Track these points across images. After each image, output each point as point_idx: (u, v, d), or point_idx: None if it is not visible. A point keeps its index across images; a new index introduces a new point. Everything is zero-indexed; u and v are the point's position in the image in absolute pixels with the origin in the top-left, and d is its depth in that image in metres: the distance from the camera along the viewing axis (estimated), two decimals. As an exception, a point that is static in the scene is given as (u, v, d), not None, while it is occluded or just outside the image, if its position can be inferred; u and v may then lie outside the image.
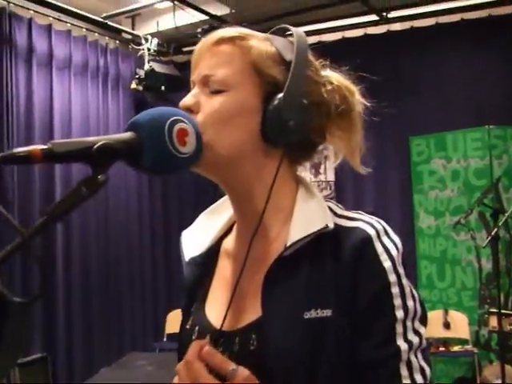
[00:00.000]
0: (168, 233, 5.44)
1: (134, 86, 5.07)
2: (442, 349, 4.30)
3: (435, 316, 4.44)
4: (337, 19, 5.06)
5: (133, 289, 5.10)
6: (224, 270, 1.00)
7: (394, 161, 5.04)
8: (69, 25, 4.73)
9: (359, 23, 5.09)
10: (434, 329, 4.34)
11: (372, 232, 0.87)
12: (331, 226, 0.89)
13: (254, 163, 0.93)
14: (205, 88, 0.92)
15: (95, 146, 0.69)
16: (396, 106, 4.84)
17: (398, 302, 0.85)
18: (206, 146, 0.87)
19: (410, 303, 0.86)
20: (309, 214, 0.92)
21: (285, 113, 0.89)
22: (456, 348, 4.33)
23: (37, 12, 4.49)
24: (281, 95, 0.90)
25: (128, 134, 0.76)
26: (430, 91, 4.91)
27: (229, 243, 1.02)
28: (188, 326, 0.99)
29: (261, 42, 0.94)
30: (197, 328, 0.97)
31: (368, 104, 1.00)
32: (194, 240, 1.05)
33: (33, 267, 4.21)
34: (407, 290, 0.86)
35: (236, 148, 0.90)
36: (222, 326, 0.89)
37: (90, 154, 0.69)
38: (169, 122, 0.78)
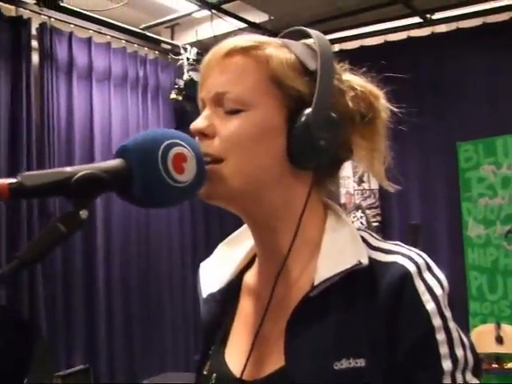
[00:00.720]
0: (210, 252, 5.33)
1: (173, 95, 5.04)
2: (494, 365, 4.07)
3: (487, 330, 4.23)
4: (378, 23, 4.90)
5: (174, 304, 5.02)
6: (245, 309, 0.89)
7: (441, 167, 4.84)
8: (108, 37, 4.74)
9: (402, 26, 4.92)
10: (485, 344, 4.13)
11: (412, 267, 0.75)
12: (365, 262, 0.77)
13: (281, 190, 0.82)
14: (218, 108, 0.82)
15: (74, 177, 0.60)
16: (442, 110, 4.69)
17: (444, 350, 0.72)
18: (227, 176, 0.77)
19: (459, 352, 0.73)
20: (339, 247, 0.80)
21: (315, 131, 0.78)
22: (510, 365, 4.10)
23: (77, 25, 4.51)
24: (309, 110, 0.79)
25: (116, 161, 0.66)
26: (477, 94, 4.70)
27: (250, 278, 0.91)
28: (205, 372, 0.89)
29: (278, 50, 0.83)
30: (214, 375, 0.87)
31: (395, 109, 0.89)
32: (213, 274, 0.95)
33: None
34: (455, 335, 0.74)
35: (261, 175, 0.80)
36: (241, 375, 0.80)
37: (69, 187, 0.59)
38: (163, 145, 0.67)
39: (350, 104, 0.85)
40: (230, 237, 0.98)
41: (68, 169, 0.61)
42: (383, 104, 0.88)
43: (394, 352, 0.73)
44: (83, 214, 0.60)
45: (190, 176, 0.70)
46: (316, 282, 0.78)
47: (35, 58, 4.25)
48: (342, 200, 5.07)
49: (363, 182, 5.09)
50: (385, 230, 4.97)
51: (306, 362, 0.76)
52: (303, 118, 0.79)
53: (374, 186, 5.07)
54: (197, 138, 0.84)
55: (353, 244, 0.81)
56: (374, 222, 4.99)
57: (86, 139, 4.51)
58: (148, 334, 4.79)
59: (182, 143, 0.70)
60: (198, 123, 0.82)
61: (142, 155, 0.67)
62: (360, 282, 0.77)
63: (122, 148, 0.68)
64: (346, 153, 0.87)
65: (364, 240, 0.83)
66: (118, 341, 4.56)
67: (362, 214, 5.05)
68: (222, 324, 0.92)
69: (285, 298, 0.82)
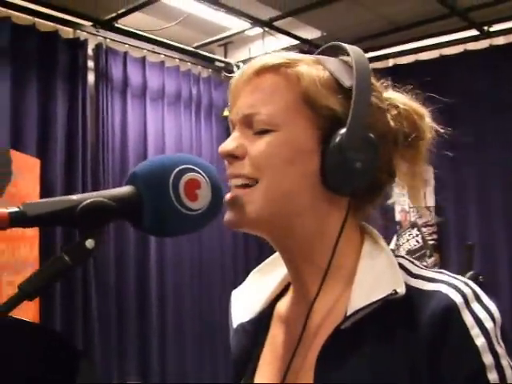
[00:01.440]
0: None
1: (226, 113, 5.06)
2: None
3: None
4: (434, 36, 4.79)
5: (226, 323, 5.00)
6: (276, 339, 0.85)
7: (499, 182, 4.65)
8: (162, 56, 4.82)
9: (458, 39, 4.80)
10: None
11: (458, 298, 0.69)
12: (401, 291, 0.72)
13: (314, 217, 0.77)
14: (247, 129, 0.79)
15: (80, 206, 0.58)
16: (500, 125, 4.52)
17: None
18: (254, 200, 0.74)
19: None
20: (375, 276, 0.75)
21: (350, 152, 0.73)
22: None
23: (132, 45, 4.61)
24: (343, 131, 0.74)
25: (126, 188, 0.64)
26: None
27: (283, 307, 0.87)
28: None
29: (311, 67, 0.79)
30: None
31: (440, 129, 0.83)
32: (245, 303, 0.91)
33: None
34: (509, 374, 0.67)
35: (293, 199, 0.76)
36: None
37: (74, 216, 0.57)
38: (175, 171, 0.65)
39: (392, 123, 0.80)
40: (262, 264, 0.94)
41: (74, 197, 0.59)
42: (428, 123, 0.83)
43: None
44: (89, 244, 0.58)
45: (204, 203, 0.66)
46: (349, 313, 0.73)
47: (91, 77, 4.37)
48: (397, 217, 4.95)
49: (418, 198, 4.96)
50: (441, 249, 4.81)
51: None
52: (337, 139, 0.75)
53: (430, 203, 4.93)
54: (226, 161, 0.82)
55: (389, 272, 0.75)
56: (430, 240, 4.84)
57: (140, 158, 4.56)
58: (201, 352, 4.78)
59: (196, 169, 0.67)
60: (227, 145, 0.79)
61: (153, 182, 0.65)
62: (397, 311, 0.72)
63: (132, 174, 0.66)
64: (387, 176, 0.82)
65: (403, 267, 0.77)
66: (170, 358, 4.57)
67: (418, 232, 4.91)
68: (252, 356, 0.87)
69: (317, 328, 0.78)
